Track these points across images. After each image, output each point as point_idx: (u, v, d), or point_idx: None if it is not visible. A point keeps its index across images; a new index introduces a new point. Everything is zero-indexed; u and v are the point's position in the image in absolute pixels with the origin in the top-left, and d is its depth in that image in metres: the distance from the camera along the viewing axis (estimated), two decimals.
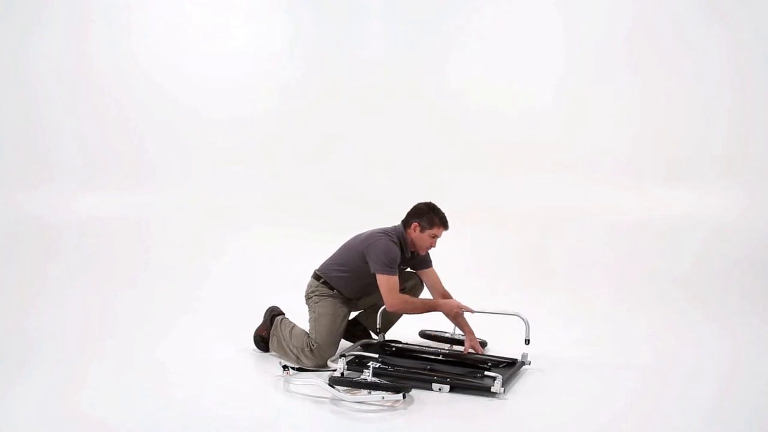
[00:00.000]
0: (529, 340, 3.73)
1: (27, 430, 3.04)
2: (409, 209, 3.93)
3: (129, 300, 5.14)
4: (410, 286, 4.06)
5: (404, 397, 3.26)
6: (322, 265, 4.02)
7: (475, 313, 3.91)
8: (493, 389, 3.36)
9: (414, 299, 3.88)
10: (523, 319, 3.76)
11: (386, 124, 7.22)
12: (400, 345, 4.03)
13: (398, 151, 7.18)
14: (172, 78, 7.10)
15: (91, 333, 4.39)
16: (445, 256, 6.24)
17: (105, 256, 6.09)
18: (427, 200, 3.95)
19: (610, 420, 3.21)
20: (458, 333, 4.10)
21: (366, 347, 3.96)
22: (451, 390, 3.42)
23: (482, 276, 5.87)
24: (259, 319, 4.08)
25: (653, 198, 6.76)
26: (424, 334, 4.23)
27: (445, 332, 4.17)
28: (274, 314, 4.02)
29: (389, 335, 4.11)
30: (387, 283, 3.73)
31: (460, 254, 6.33)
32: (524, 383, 3.59)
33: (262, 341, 3.99)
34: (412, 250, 3.90)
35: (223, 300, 5.15)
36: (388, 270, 3.73)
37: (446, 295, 3.98)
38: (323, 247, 4.49)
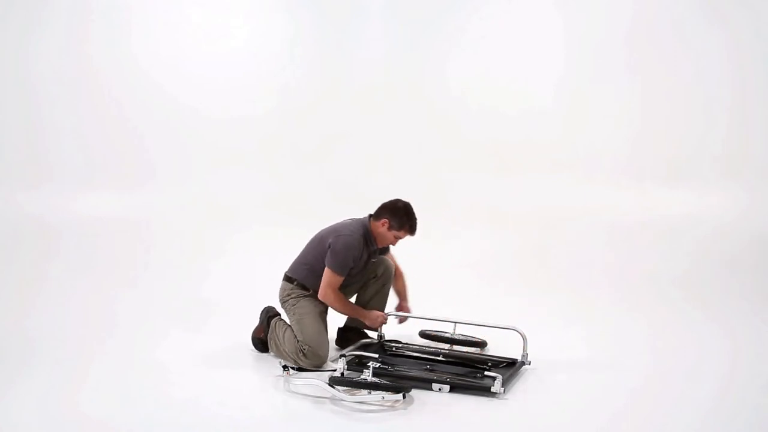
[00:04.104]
0: (527, 355, 3.74)
1: (27, 430, 3.04)
2: (384, 201, 3.92)
3: (129, 300, 5.13)
4: (380, 272, 4.06)
5: (404, 397, 3.26)
6: (291, 266, 4.02)
7: (474, 325, 3.92)
8: (493, 389, 3.36)
9: (345, 301, 3.90)
10: (520, 334, 3.76)
11: (386, 124, 7.21)
12: (400, 345, 4.03)
13: (398, 151, 7.18)
14: (172, 78, 7.10)
15: (91, 333, 4.38)
16: (446, 256, 6.28)
17: (105, 256, 6.08)
18: (406, 200, 3.94)
19: (610, 420, 3.21)
20: (458, 333, 4.11)
21: (366, 347, 3.96)
22: (451, 390, 3.42)
23: (482, 276, 5.86)
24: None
25: (653, 198, 6.76)
26: (424, 334, 4.22)
27: (445, 332, 4.16)
28: (270, 315, 4.00)
29: (389, 335, 4.11)
30: (331, 278, 3.79)
31: (461, 254, 6.34)
32: (524, 383, 3.59)
33: (261, 343, 3.98)
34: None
35: (223, 300, 5.14)
36: (338, 269, 3.79)
37: (400, 276, 4.12)
38: None
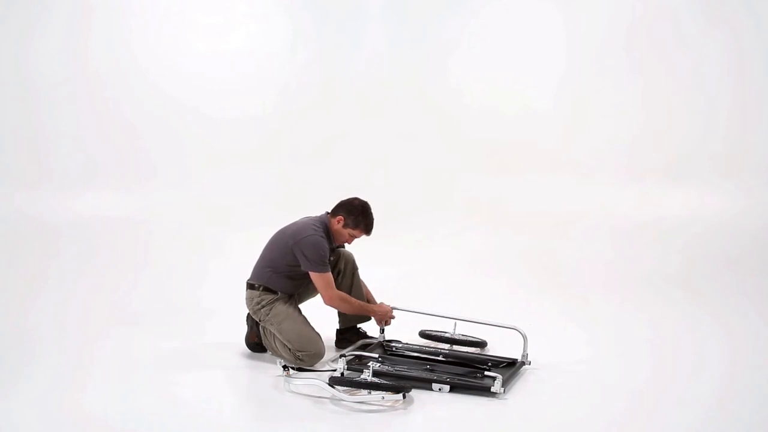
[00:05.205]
0: (527, 355, 3.74)
1: (27, 430, 3.04)
2: (342, 199, 3.95)
3: (129, 300, 5.14)
4: (343, 266, 4.05)
5: (404, 397, 3.26)
6: (252, 274, 3.97)
7: (476, 323, 3.93)
8: (493, 389, 3.36)
9: (352, 299, 3.89)
10: (521, 334, 3.76)
11: (386, 124, 7.21)
12: (400, 345, 4.03)
13: (398, 151, 7.17)
14: (172, 78, 7.08)
15: (91, 333, 4.39)
16: (446, 256, 6.28)
17: (105, 256, 6.08)
18: (365, 199, 3.94)
19: (611, 420, 3.21)
20: (458, 333, 4.11)
21: (366, 347, 3.96)
22: (451, 390, 3.42)
23: (482, 276, 5.86)
24: None
25: (653, 198, 6.76)
26: (424, 334, 4.22)
27: (445, 332, 4.17)
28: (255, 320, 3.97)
29: (389, 335, 4.11)
30: (322, 281, 3.76)
31: (460, 254, 6.34)
32: (524, 383, 3.59)
33: (257, 345, 3.98)
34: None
35: (222, 300, 5.13)
36: (320, 268, 3.75)
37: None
38: None
